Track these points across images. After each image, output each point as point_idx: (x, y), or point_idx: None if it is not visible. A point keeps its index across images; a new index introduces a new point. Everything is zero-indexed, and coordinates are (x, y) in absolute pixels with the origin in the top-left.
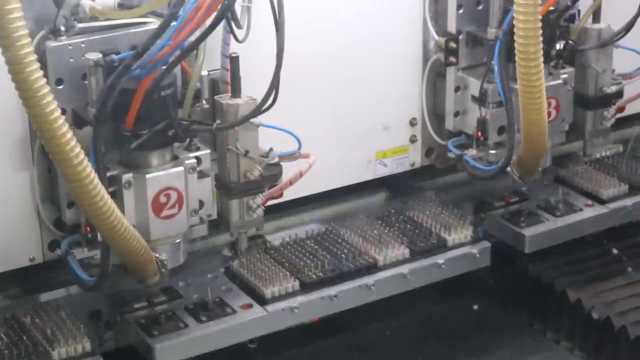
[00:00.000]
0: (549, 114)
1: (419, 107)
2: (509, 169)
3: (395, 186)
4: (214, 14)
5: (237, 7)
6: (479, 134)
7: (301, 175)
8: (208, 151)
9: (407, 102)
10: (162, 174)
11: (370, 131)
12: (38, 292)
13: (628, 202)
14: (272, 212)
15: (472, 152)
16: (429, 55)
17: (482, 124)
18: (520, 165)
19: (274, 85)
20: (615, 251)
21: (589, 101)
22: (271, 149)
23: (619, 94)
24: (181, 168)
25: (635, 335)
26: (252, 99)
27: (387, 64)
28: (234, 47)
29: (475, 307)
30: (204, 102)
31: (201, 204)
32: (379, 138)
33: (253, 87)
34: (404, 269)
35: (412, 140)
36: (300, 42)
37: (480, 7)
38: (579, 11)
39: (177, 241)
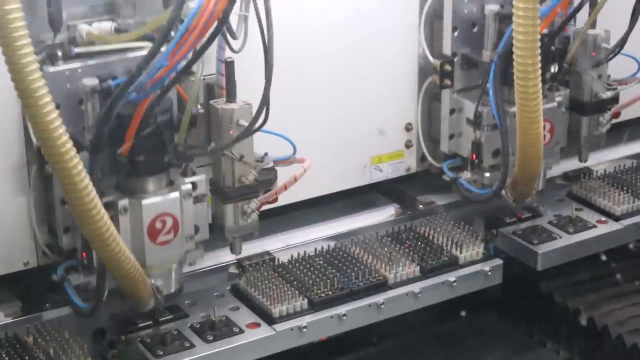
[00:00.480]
0: (544, 136)
1: (414, 112)
2: (503, 191)
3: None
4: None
5: (233, 16)
6: (474, 156)
7: (296, 180)
8: (204, 176)
9: (402, 107)
10: (158, 200)
11: (365, 136)
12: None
13: None
14: (277, 224)
15: (466, 174)
16: (426, 65)
17: (476, 146)
18: (514, 187)
19: (265, 102)
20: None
21: (584, 107)
22: (266, 154)
23: (615, 99)
24: (177, 193)
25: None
26: (247, 103)
27: (383, 70)
28: (230, 52)
29: (463, 313)
30: (199, 106)
31: (197, 229)
32: (374, 143)
33: (253, 88)
34: (415, 287)
35: (408, 145)
36: (297, 46)
37: (475, 30)
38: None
39: (173, 267)
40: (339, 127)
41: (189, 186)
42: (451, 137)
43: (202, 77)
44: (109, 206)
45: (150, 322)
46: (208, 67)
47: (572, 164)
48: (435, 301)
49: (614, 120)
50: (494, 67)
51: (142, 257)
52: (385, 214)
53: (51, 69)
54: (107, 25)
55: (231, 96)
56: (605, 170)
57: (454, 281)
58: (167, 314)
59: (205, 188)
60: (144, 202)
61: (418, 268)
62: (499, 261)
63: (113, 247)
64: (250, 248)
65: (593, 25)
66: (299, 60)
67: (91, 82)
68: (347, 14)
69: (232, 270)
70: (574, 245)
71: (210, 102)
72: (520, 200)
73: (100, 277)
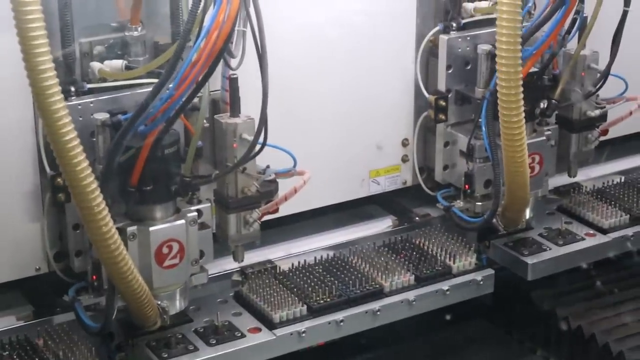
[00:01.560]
0: (533, 168)
1: (410, 128)
2: (493, 220)
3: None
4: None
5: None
6: (466, 186)
7: (296, 191)
8: (209, 204)
9: (399, 123)
10: (165, 227)
11: (364, 151)
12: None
13: (629, 231)
14: (278, 234)
15: (459, 203)
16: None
17: (469, 177)
18: (505, 216)
19: (263, 121)
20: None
21: (573, 124)
22: (268, 167)
23: (603, 117)
24: (183, 221)
25: (617, 351)
26: (249, 118)
27: (381, 88)
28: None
29: (448, 317)
30: (205, 120)
31: (202, 253)
32: (372, 157)
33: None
34: (410, 295)
35: (404, 159)
36: (298, 64)
37: (468, 68)
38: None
39: (179, 289)
40: (339, 142)
41: (195, 214)
42: (445, 168)
43: (206, 113)
44: (119, 232)
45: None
46: (213, 83)
47: (562, 179)
48: (429, 309)
49: (602, 138)
50: (486, 103)
51: (150, 280)
52: (383, 225)
53: (64, 103)
54: (118, 63)
55: (235, 111)
56: (594, 186)
57: (447, 290)
58: (172, 319)
59: (210, 215)
60: (152, 229)
61: (413, 277)
62: (490, 271)
63: (123, 268)
64: (253, 257)
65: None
66: (302, 78)
67: (102, 116)
68: (348, 36)
69: (236, 277)
70: (563, 256)
71: (215, 116)
72: (510, 228)
73: (110, 298)
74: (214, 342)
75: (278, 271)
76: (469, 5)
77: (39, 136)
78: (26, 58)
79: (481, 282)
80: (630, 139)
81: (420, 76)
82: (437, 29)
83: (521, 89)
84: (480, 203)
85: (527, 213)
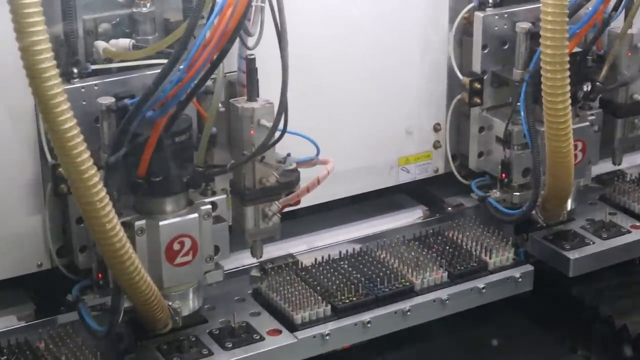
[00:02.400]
0: (575, 156)
1: (442, 113)
2: (533, 212)
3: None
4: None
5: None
6: (503, 175)
7: (319, 182)
8: (224, 196)
9: (431, 107)
10: (176, 221)
11: (393, 136)
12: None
13: None
14: (301, 225)
15: (495, 193)
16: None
17: (506, 165)
18: (545, 207)
19: (282, 106)
20: None
21: (618, 108)
22: (289, 155)
23: None
24: (196, 214)
25: None
26: (268, 102)
27: (411, 68)
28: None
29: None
30: (220, 105)
31: (217, 249)
32: (401, 143)
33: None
34: (442, 293)
35: (436, 146)
36: (327, 47)
37: (505, 47)
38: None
39: (192, 288)
40: (365, 127)
41: (209, 206)
42: (480, 155)
43: (220, 97)
44: (126, 226)
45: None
46: (230, 64)
47: (604, 166)
48: (463, 308)
49: None
50: (525, 86)
51: (159, 279)
52: (413, 216)
53: (67, 86)
54: (124, 42)
55: (252, 95)
56: (639, 174)
57: (483, 288)
58: (186, 320)
59: (225, 207)
60: (162, 223)
61: (446, 274)
62: (529, 267)
63: (129, 267)
64: (273, 250)
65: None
66: (326, 59)
67: (107, 100)
68: (376, 12)
69: (254, 273)
70: (608, 251)
71: (231, 100)
72: (551, 220)
73: (116, 299)
74: (230, 345)
75: (300, 267)
76: None
77: (40, 122)
78: (19, 37)
79: (519, 280)
80: None
81: (453, 56)
82: (471, 5)
83: (568, 72)
84: (518, 193)
85: (569, 204)
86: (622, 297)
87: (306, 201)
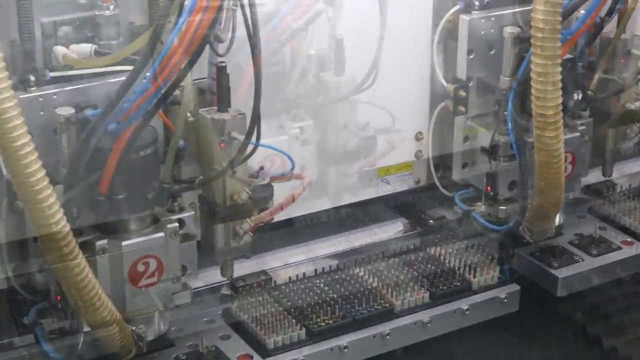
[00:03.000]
0: (565, 169)
1: (425, 121)
2: (520, 228)
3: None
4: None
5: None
6: (488, 188)
7: (294, 199)
8: (192, 212)
9: (412, 115)
10: (141, 240)
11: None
12: None
13: None
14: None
15: (480, 207)
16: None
17: (491, 177)
18: (532, 222)
19: (254, 119)
20: None
21: (609, 118)
22: (262, 168)
23: None
24: (162, 233)
25: None
26: (240, 113)
27: (392, 76)
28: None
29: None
30: (189, 114)
31: (184, 269)
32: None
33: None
34: (424, 315)
35: (417, 156)
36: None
37: (492, 53)
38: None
39: (157, 311)
40: (342, 136)
41: (176, 224)
42: (464, 166)
43: (189, 107)
44: (86, 246)
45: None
46: (200, 69)
47: (593, 176)
48: (445, 331)
49: None
50: (513, 94)
51: (122, 302)
52: (393, 229)
53: (23, 95)
54: (86, 48)
55: (223, 104)
56: (630, 185)
57: (467, 309)
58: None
59: (193, 224)
60: (125, 243)
61: (427, 294)
62: (516, 287)
63: (89, 292)
64: (245, 267)
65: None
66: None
67: (66, 111)
68: (354, 14)
69: (225, 291)
70: (598, 269)
71: (200, 110)
72: (538, 237)
73: (75, 324)
74: None
75: (273, 285)
76: None
77: None
78: None
79: (505, 300)
80: None
81: (437, 62)
82: (457, 7)
83: (560, 82)
84: (504, 207)
85: (558, 219)
86: (612, 315)
87: (281, 214)
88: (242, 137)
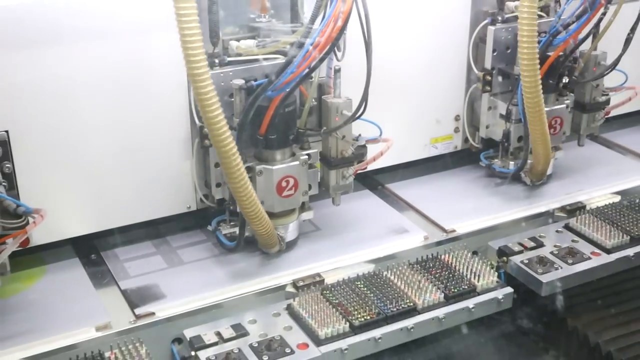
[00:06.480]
0: (555, 128)
1: (461, 106)
2: (523, 175)
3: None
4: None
5: None
6: (504, 141)
7: (382, 154)
8: (316, 150)
9: (453, 103)
10: (284, 166)
11: (426, 123)
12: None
13: (630, 251)
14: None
15: (497, 162)
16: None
17: (506, 134)
18: (531, 171)
19: (364, 98)
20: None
21: (585, 107)
22: (360, 135)
23: (607, 102)
24: (297, 162)
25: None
26: (348, 98)
27: (441, 75)
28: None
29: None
30: (313, 100)
31: (310, 187)
32: (432, 128)
33: (353, 87)
34: (439, 312)
35: (456, 130)
36: (383, 53)
37: (509, 51)
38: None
39: (291, 222)
40: (409, 116)
41: (306, 157)
42: (487, 126)
43: (317, 80)
44: (249, 170)
45: (217, 340)
46: (321, 72)
47: (569, 199)
48: (455, 324)
49: (606, 117)
50: (521, 78)
51: (272, 206)
52: (417, 240)
53: (212, 72)
54: (251, 42)
55: (337, 93)
56: (597, 207)
57: (473, 307)
58: (232, 332)
59: (316, 158)
60: (274, 167)
61: (442, 295)
62: (509, 289)
63: (249, 199)
64: (304, 270)
65: (595, 47)
66: (385, 68)
67: (239, 82)
68: (417, 27)
69: (289, 289)
70: (573, 275)
71: (322, 97)
72: (535, 181)
73: (242, 224)
74: (266, 358)
75: (325, 285)
76: (510, 4)
77: (191, 96)
78: (184, 46)
79: (502, 300)
80: (625, 116)
81: (472, 57)
82: (486, 21)
83: (539, 74)
84: (512, 162)
85: (551, 168)
86: (588, 310)
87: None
88: (349, 113)
